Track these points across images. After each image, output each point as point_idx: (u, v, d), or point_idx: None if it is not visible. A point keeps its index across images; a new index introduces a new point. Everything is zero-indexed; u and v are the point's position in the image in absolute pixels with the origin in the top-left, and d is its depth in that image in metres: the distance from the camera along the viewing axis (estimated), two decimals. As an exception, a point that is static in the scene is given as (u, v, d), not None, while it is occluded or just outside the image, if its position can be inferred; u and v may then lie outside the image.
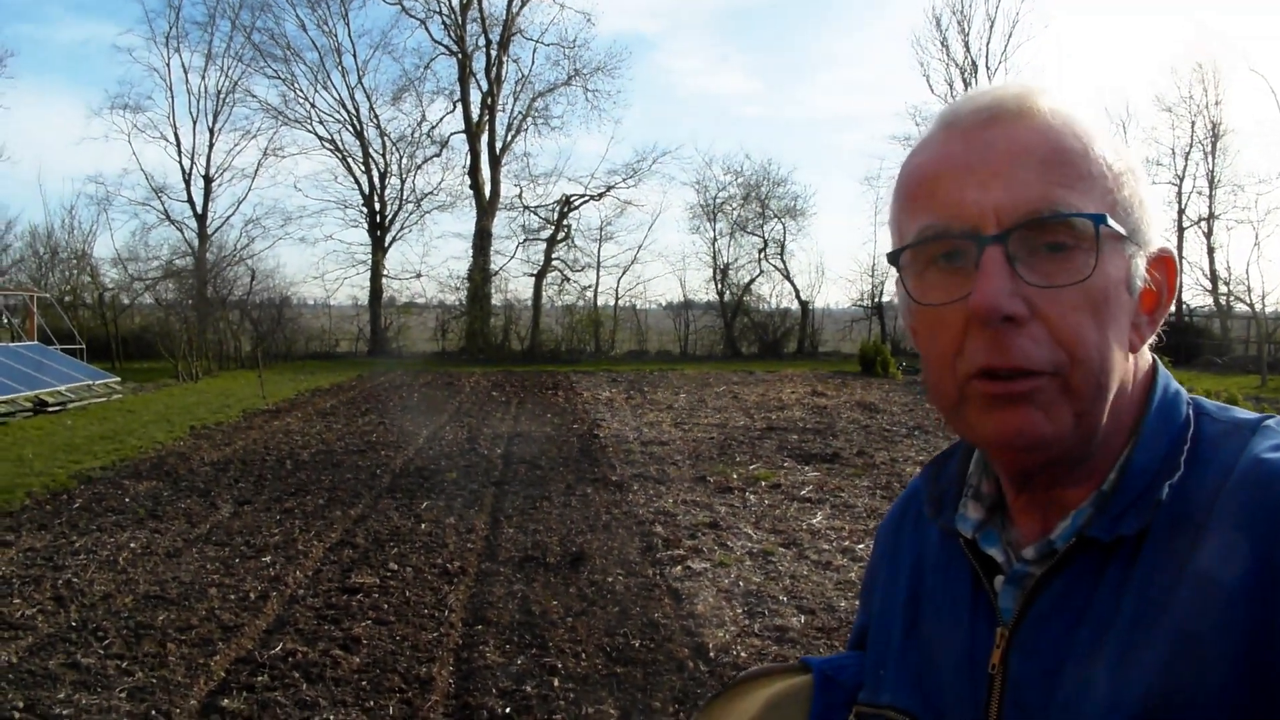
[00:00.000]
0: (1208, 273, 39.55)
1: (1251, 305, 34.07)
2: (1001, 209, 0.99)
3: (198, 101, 42.40)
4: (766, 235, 43.01)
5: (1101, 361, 1.00)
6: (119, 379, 24.67)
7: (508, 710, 5.42)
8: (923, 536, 1.26)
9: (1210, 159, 39.61)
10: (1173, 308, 1.14)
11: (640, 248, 44.69)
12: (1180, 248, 40.57)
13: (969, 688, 1.09)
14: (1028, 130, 1.02)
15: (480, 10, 42.59)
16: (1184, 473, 1.01)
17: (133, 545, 8.77)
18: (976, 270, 0.99)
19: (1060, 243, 0.99)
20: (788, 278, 42.75)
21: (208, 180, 41.86)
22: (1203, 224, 39.99)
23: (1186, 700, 0.91)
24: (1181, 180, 40.24)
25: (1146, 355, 1.11)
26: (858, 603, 1.38)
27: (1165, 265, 1.09)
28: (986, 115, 1.05)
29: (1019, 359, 0.98)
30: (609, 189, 43.45)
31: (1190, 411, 1.08)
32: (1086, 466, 1.05)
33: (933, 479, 1.24)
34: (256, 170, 43.02)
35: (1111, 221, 1.01)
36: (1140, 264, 1.05)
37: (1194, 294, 40.43)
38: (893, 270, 1.11)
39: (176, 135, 41.94)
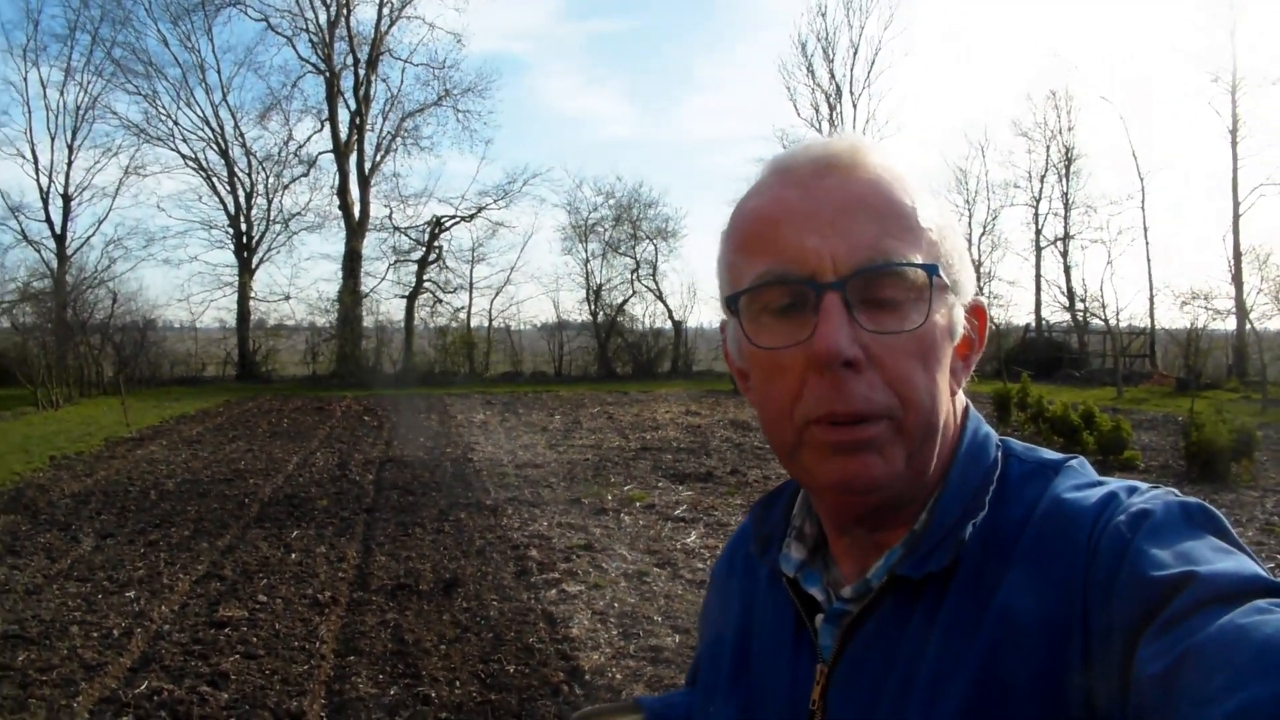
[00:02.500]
0: (1065, 290, 41.12)
1: (1106, 320, 35.44)
2: (839, 257, 1.02)
3: (56, 117, 40.87)
4: (639, 256, 43.26)
5: (932, 404, 1.05)
6: (-28, 409, 23.78)
7: (381, 742, 5.39)
8: (753, 575, 1.31)
9: (1065, 181, 41.49)
10: (984, 348, 1.21)
11: (513, 269, 44.48)
12: (1039, 265, 42.14)
13: None
14: (861, 182, 1.06)
15: (348, 29, 42.18)
16: (989, 512, 1.06)
17: (-12, 583, 8.48)
18: (815, 316, 1.02)
19: (891, 299, 1.04)
20: (660, 298, 43.05)
21: (66, 199, 40.49)
22: (1059, 244, 41.66)
23: None
24: (1039, 202, 42.02)
25: (961, 399, 1.16)
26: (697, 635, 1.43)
27: (978, 314, 1.16)
28: (822, 165, 1.08)
29: (859, 405, 1.01)
30: (480, 210, 43.27)
31: (999, 453, 1.14)
32: (908, 509, 1.11)
33: (760, 519, 1.29)
34: (118, 189, 41.68)
35: (941, 273, 1.06)
36: (960, 313, 1.11)
37: (1052, 310, 42.06)
38: (726, 314, 1.14)
39: (34, 151, 40.42)
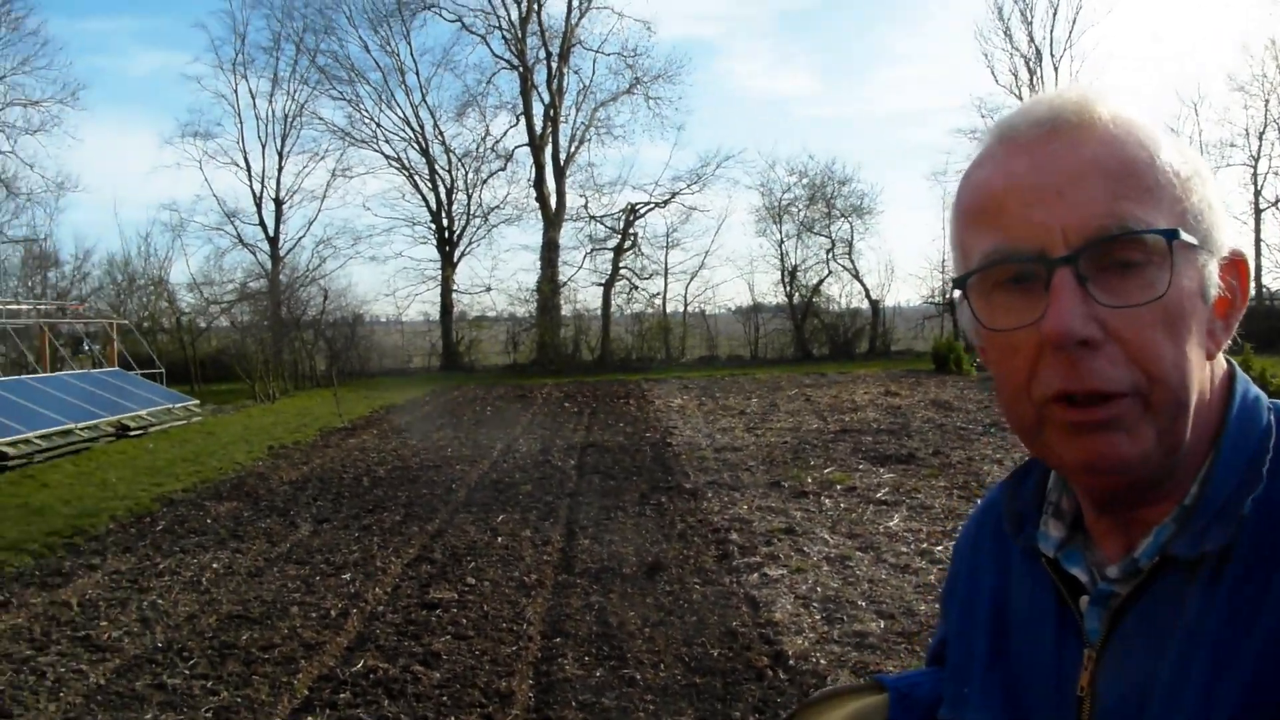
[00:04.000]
0: (1287, 254, 38.66)
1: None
2: (1069, 228, 0.96)
3: (266, 126, 42.88)
4: (834, 235, 42.61)
5: (1181, 378, 0.96)
6: (198, 402, 25.07)
7: (588, 723, 5.42)
8: (1004, 551, 1.22)
9: (1287, 137, 38.74)
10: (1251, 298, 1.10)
11: (707, 253, 44.47)
12: (1258, 229, 39.73)
13: (1058, 710, 1.07)
14: (1091, 142, 0.98)
15: (539, 23, 42.83)
16: (1267, 484, 0.97)
17: (215, 566, 8.90)
18: (1047, 293, 0.96)
19: (1131, 260, 0.96)
20: (857, 277, 42.39)
21: (278, 203, 42.50)
22: (1280, 205, 39.10)
23: None
24: (1257, 161, 39.38)
25: (1222, 361, 1.06)
26: (939, 614, 1.33)
27: (1238, 268, 1.05)
28: (1047, 127, 1.01)
29: (1097, 383, 0.95)
30: (674, 195, 43.37)
31: (1272, 418, 1.04)
32: (1169, 483, 1.02)
33: (1011, 496, 1.20)
34: (325, 191, 43.50)
35: (1184, 234, 0.97)
36: (1213, 270, 1.01)
37: (1275, 277, 39.54)
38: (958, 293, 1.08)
39: (246, 160, 42.68)
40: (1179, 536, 0.99)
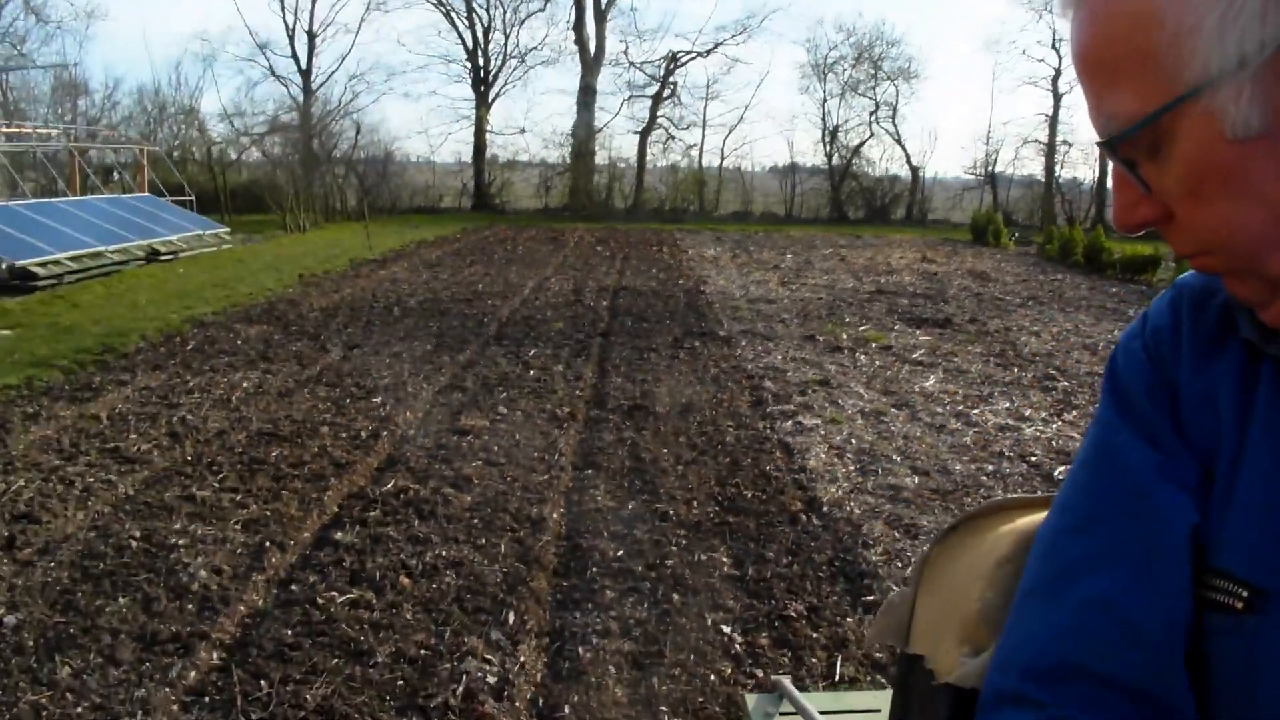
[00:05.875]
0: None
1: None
2: (1097, 124, 0.90)
3: (300, -44, 41.96)
4: (878, 98, 41.58)
5: (1246, 236, 0.85)
6: (229, 229, 24.95)
7: (620, 553, 5.36)
8: (1212, 368, 1.00)
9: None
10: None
11: (747, 107, 43.74)
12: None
13: None
14: (1083, 22, 0.88)
15: None
16: None
17: (245, 385, 8.85)
18: None
19: (1139, 152, 0.87)
20: (899, 142, 41.51)
21: (311, 36, 41.55)
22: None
23: None
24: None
25: None
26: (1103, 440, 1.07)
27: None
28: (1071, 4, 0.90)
29: (1180, 250, 0.92)
30: (716, 46, 42.38)
31: None
32: None
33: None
34: (360, 25, 43.16)
35: (1162, 106, 0.84)
36: (1226, 96, 0.81)
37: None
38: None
39: (279, -10, 41.76)
40: None
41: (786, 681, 2.03)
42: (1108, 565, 0.96)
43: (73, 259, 16.97)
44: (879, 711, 2.00)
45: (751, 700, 2.04)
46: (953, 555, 1.20)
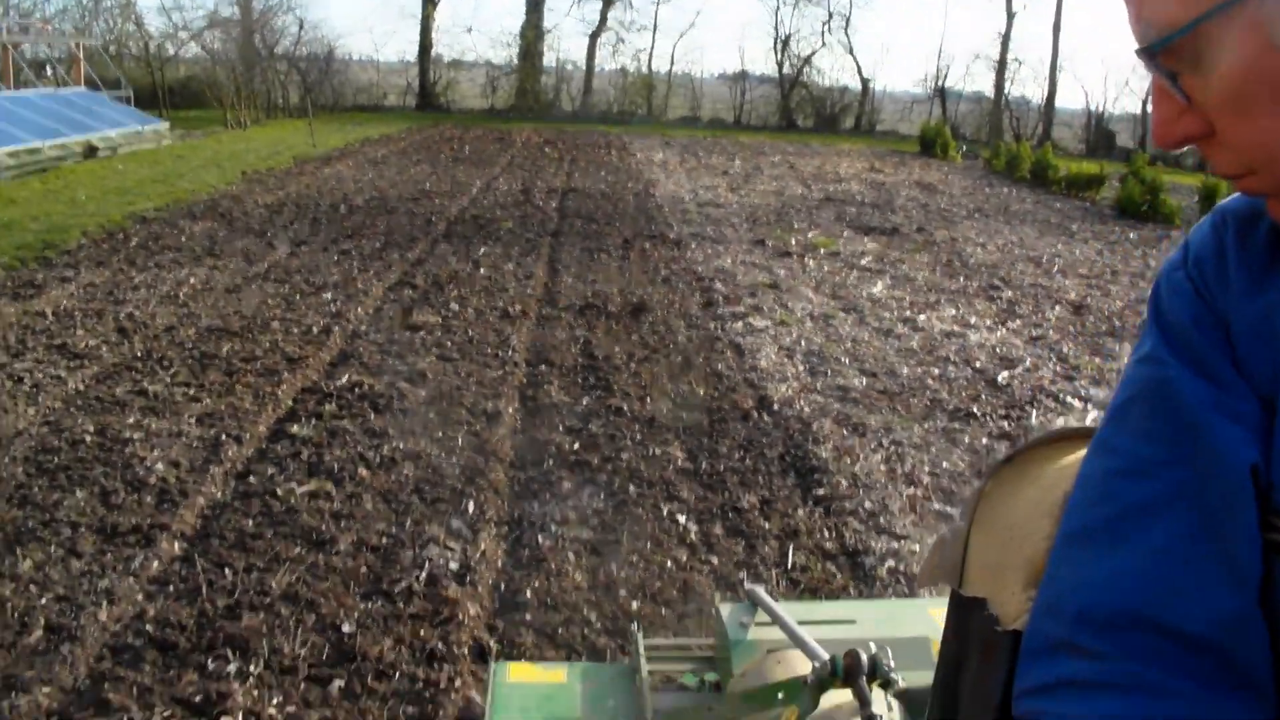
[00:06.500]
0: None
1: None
2: (1137, 30, 0.84)
3: None
4: (831, 7, 41.34)
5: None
6: (168, 125, 24.43)
7: (576, 446, 5.43)
8: (1266, 294, 0.93)
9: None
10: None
11: (699, 13, 43.22)
12: None
13: None
14: None
15: None
16: None
17: (192, 281, 8.75)
18: None
19: (1183, 61, 0.81)
20: (850, 53, 41.40)
21: (254, -77, 40.49)
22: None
23: None
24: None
25: None
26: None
27: None
28: None
29: (1226, 171, 0.86)
30: (669, -54, 41.75)
31: None
32: None
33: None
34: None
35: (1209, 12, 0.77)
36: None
37: None
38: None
39: (223, -128, 40.38)
40: None
41: (761, 590, 2.06)
42: (1169, 508, 0.89)
43: (10, 155, 16.53)
44: (853, 622, 2.02)
45: (726, 609, 2.06)
46: (1010, 490, 1.13)
